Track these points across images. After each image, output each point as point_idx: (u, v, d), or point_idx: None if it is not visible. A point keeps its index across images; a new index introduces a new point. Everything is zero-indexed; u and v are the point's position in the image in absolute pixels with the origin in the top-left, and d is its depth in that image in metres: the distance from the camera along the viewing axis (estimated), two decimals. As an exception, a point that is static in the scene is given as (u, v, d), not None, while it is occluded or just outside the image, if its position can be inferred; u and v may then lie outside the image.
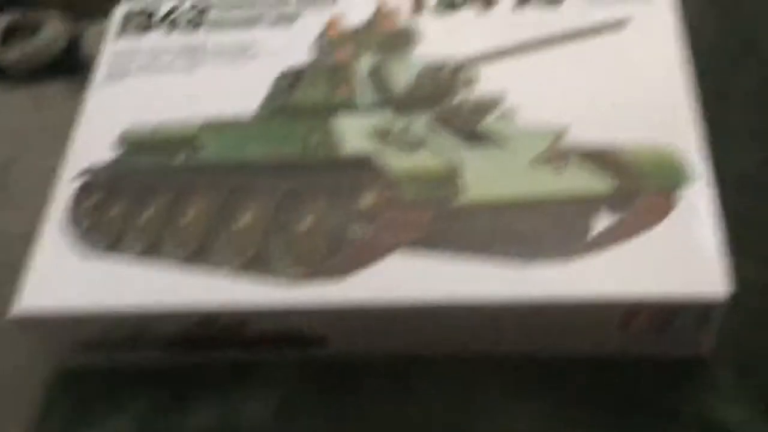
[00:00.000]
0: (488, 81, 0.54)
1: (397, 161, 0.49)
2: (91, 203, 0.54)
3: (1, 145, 1.11)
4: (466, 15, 0.59)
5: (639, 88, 0.52)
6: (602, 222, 0.48)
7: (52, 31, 1.65)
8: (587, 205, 0.49)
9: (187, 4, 0.63)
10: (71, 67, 1.76)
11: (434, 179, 0.49)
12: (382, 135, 0.52)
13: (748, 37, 0.61)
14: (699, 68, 0.53)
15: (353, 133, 0.52)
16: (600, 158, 0.50)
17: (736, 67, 0.60)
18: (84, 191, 0.54)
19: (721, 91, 0.58)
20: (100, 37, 1.71)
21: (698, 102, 0.52)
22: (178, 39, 0.61)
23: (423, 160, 0.50)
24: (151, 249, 0.52)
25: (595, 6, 0.57)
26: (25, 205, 1.39)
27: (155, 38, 0.61)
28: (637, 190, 0.48)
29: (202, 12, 0.62)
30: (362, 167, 0.49)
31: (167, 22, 0.62)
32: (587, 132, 0.51)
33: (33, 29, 1.70)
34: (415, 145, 0.51)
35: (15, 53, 1.65)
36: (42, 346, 0.53)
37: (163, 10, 0.63)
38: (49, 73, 1.75)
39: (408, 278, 0.47)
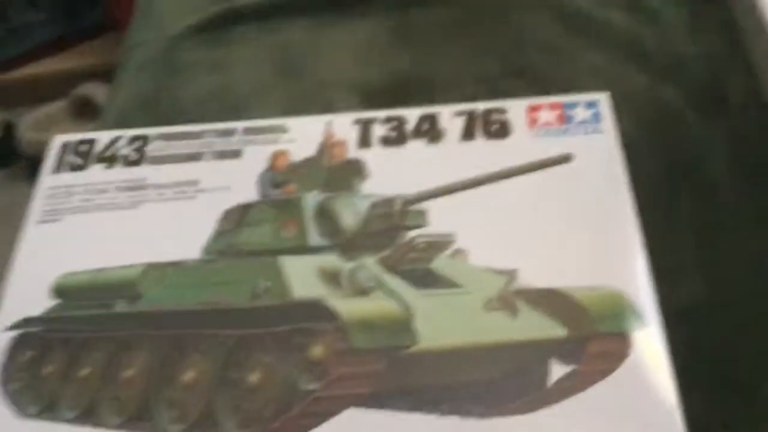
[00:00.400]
0: (438, 219, 0.54)
1: (348, 307, 0.48)
2: (26, 359, 0.51)
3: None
4: (414, 148, 0.59)
5: (586, 228, 0.53)
6: (558, 369, 0.47)
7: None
8: (543, 351, 0.48)
9: (128, 136, 0.61)
10: (5, 157, 1.72)
11: (387, 325, 0.48)
12: (332, 278, 0.51)
13: (688, 165, 0.62)
14: (641, 198, 0.54)
15: (302, 275, 0.51)
16: (551, 302, 0.50)
17: (678, 197, 0.61)
18: (18, 346, 0.51)
19: (665, 219, 0.59)
20: (35, 125, 1.67)
21: (643, 234, 0.52)
22: (117, 174, 0.59)
23: (374, 306, 0.49)
24: (87, 413, 0.49)
25: (540, 139, 0.57)
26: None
27: (93, 173, 0.59)
28: (589, 334, 0.48)
29: (143, 145, 0.61)
30: (313, 313, 0.48)
31: (106, 156, 0.60)
32: (537, 275, 0.51)
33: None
34: (366, 289, 0.50)
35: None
36: None
37: (103, 142, 0.61)
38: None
39: (361, 436, 0.46)
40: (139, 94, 0.76)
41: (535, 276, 0.51)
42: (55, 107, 1.66)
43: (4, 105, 1.68)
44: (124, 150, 0.61)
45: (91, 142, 0.62)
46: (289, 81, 0.74)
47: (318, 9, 0.79)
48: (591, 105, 0.59)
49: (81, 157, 0.61)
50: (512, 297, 0.50)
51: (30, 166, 1.61)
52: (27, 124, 1.60)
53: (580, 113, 0.59)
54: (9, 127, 1.65)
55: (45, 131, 1.58)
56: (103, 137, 0.62)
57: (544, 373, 0.47)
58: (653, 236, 0.53)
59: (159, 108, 0.73)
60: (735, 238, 0.59)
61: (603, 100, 0.60)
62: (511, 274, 0.51)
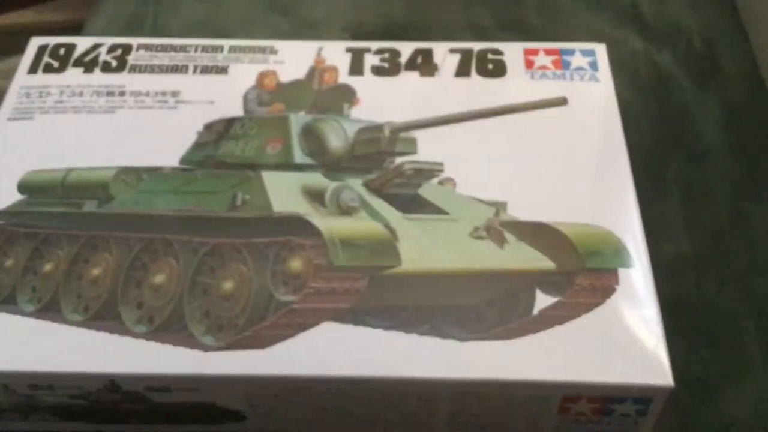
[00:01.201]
0: (427, 149, 0.52)
1: (330, 224, 0.46)
2: (-15, 251, 0.48)
3: None
4: (407, 79, 0.57)
5: (578, 168, 0.52)
6: (543, 300, 0.46)
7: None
8: (529, 281, 0.47)
9: (109, 44, 0.59)
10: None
11: (370, 245, 0.46)
12: (316, 196, 0.49)
13: (679, 129, 0.62)
14: (632, 158, 0.53)
15: (285, 191, 0.49)
16: (540, 234, 0.48)
17: (669, 156, 0.60)
18: (-23, 237, 0.48)
19: (654, 179, 0.59)
20: (7, 74, 1.63)
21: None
22: (96, 79, 0.57)
23: (357, 225, 0.47)
24: (48, 307, 0.46)
25: (537, 81, 0.56)
26: None
27: (71, 76, 0.57)
28: (577, 268, 0.47)
29: (125, 54, 0.58)
30: (293, 227, 0.46)
31: (85, 61, 0.58)
32: (526, 209, 0.49)
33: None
34: (350, 209, 0.48)
35: None
36: None
37: (83, 47, 0.58)
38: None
39: (336, 352, 0.44)
40: (122, 19, 0.73)
41: (524, 210, 0.49)
42: (13, 62, 1.62)
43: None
44: (105, 56, 0.58)
45: (70, 46, 0.59)
46: (279, 17, 0.72)
47: None
48: (588, 53, 0.58)
49: (58, 60, 0.58)
50: (500, 227, 0.49)
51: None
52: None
53: (577, 60, 0.58)
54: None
55: (6, 80, 1.53)
56: (83, 42, 0.59)
57: (529, 302, 0.46)
58: (642, 194, 0.52)
59: (141, 32, 0.71)
60: (722, 200, 0.59)
61: (600, 50, 0.59)
62: (499, 206, 0.49)
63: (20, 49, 1.68)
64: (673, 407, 0.44)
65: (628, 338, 0.44)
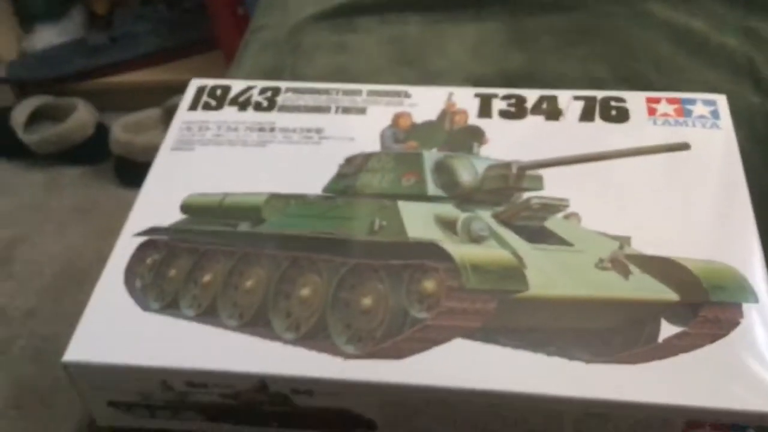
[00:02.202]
0: (553, 186, 0.55)
1: (461, 250, 0.50)
2: (151, 261, 0.54)
3: (10, 221, 1.10)
4: (533, 122, 0.61)
5: (701, 208, 0.54)
6: (667, 329, 0.48)
7: (79, 119, 1.71)
8: (653, 311, 0.49)
9: (260, 86, 0.65)
10: (94, 154, 1.79)
11: (499, 271, 0.49)
12: (447, 225, 0.52)
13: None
14: (753, 202, 0.55)
15: (419, 219, 0.53)
16: (664, 268, 0.50)
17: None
18: (145, 249, 0.54)
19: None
20: (128, 128, 1.73)
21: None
22: (249, 116, 0.63)
23: (487, 252, 0.51)
24: (207, 313, 0.51)
25: (660, 127, 0.59)
26: (26, 282, 1.39)
27: (227, 113, 0.63)
28: (702, 301, 0.49)
29: (274, 96, 0.64)
30: (427, 252, 0.50)
31: (239, 101, 0.64)
32: (650, 244, 0.52)
33: (61, 115, 1.75)
34: (480, 237, 0.52)
35: (37, 136, 1.69)
36: (84, 402, 0.51)
37: (237, 89, 0.65)
38: (71, 158, 1.78)
39: (466, 366, 0.47)
40: (262, 68, 0.80)
41: (647, 246, 0.52)
42: (148, 114, 1.73)
43: (99, 107, 1.76)
44: (256, 97, 0.64)
45: (225, 87, 0.65)
46: (405, 68, 0.77)
47: (433, 8, 0.83)
48: (709, 103, 0.61)
49: (215, 99, 0.64)
50: (624, 259, 0.51)
51: (117, 166, 1.67)
52: (120, 125, 1.67)
53: (699, 109, 0.60)
54: (101, 128, 1.73)
55: (135, 135, 1.64)
56: (237, 84, 0.66)
57: (654, 331, 0.48)
58: (762, 238, 0.53)
59: (281, 81, 0.77)
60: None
61: (720, 100, 0.61)
62: (624, 240, 0.52)
63: (142, 106, 1.79)
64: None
65: (750, 368, 0.45)
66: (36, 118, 1.74)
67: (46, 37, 1.87)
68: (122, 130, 1.67)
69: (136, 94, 1.80)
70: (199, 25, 1.79)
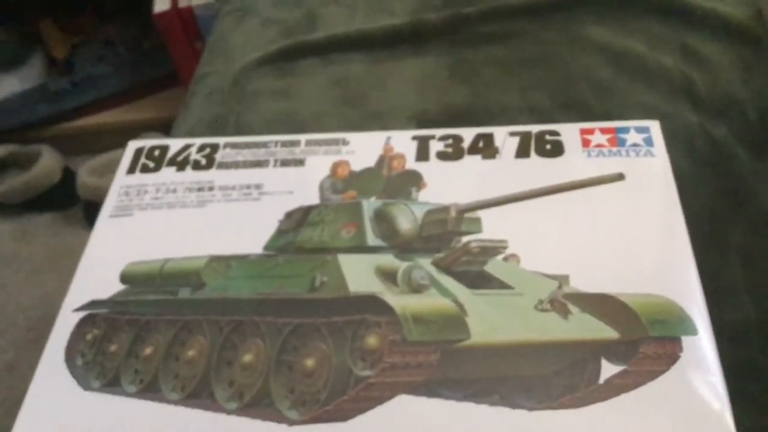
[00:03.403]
0: (491, 227, 0.56)
1: (402, 302, 0.50)
2: (92, 337, 0.53)
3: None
4: (470, 163, 0.61)
5: (637, 240, 0.54)
6: (609, 369, 0.48)
7: (45, 165, 1.70)
8: (594, 350, 0.49)
9: (198, 144, 0.65)
10: (62, 200, 1.78)
11: (440, 320, 0.49)
12: (388, 276, 0.52)
13: (737, 196, 0.64)
14: (691, 226, 0.55)
15: (360, 272, 0.53)
16: (603, 305, 0.51)
17: (728, 224, 0.62)
18: (85, 324, 0.54)
19: (714, 246, 0.60)
20: (93, 171, 1.72)
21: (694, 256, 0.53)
22: (188, 176, 0.62)
23: (428, 302, 0.51)
24: (149, 388, 0.51)
25: (594, 159, 0.59)
26: (2, 335, 1.37)
27: (165, 175, 0.63)
28: (641, 337, 0.49)
29: (213, 152, 0.64)
30: (368, 306, 0.50)
31: (178, 161, 0.64)
32: (588, 281, 0.52)
33: (27, 163, 1.74)
34: (420, 286, 0.52)
35: (3, 186, 1.68)
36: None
37: (175, 148, 0.65)
38: (39, 206, 1.77)
39: (412, 423, 0.47)
40: (208, 117, 0.80)
41: (586, 282, 0.52)
42: (114, 155, 1.73)
43: (65, 152, 1.75)
44: (195, 156, 0.64)
45: (163, 147, 0.65)
46: (349, 109, 0.78)
47: (375, 47, 0.83)
48: (642, 130, 0.61)
49: (153, 160, 0.64)
50: (564, 299, 0.51)
51: (86, 210, 1.67)
52: (86, 169, 1.67)
53: (632, 137, 0.61)
54: (67, 173, 1.72)
55: (102, 177, 1.64)
56: (175, 144, 0.65)
57: (595, 371, 0.48)
58: (702, 261, 0.54)
59: (226, 130, 0.77)
60: (785, 265, 0.60)
61: (654, 126, 0.62)
62: (562, 279, 0.52)
63: (108, 148, 1.78)
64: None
65: (693, 404, 0.45)
66: (1, 168, 1.73)
67: (7, 86, 1.86)
68: (89, 174, 1.66)
69: (101, 136, 1.80)
70: (159, 62, 1.78)
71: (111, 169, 1.72)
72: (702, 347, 0.48)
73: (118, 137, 1.76)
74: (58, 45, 1.88)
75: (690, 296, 0.50)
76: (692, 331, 0.49)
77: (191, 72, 0.91)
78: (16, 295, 1.53)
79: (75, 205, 1.70)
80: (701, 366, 0.47)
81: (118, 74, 1.84)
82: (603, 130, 0.61)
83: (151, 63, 1.82)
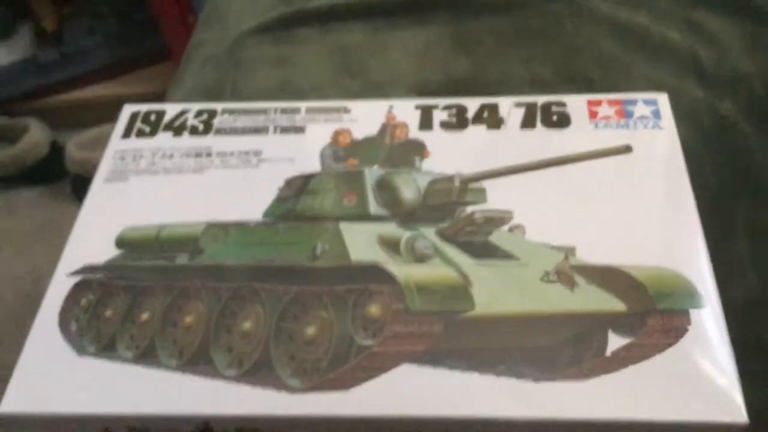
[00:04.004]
0: (496, 198, 0.55)
1: (405, 271, 0.49)
2: (86, 302, 0.52)
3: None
4: (474, 132, 0.60)
5: (645, 212, 0.53)
6: (616, 341, 0.47)
7: (33, 138, 1.67)
8: (601, 322, 0.48)
9: (195, 109, 0.63)
10: (50, 174, 1.76)
11: (444, 290, 0.48)
12: (391, 245, 0.51)
13: (743, 171, 0.63)
14: (698, 200, 0.54)
15: (361, 241, 0.51)
16: (610, 278, 0.50)
17: (735, 200, 0.61)
18: (79, 289, 0.52)
19: (719, 222, 0.59)
20: (82, 145, 1.70)
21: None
22: (185, 142, 0.61)
23: (431, 272, 0.50)
24: (146, 353, 0.50)
25: (601, 131, 0.58)
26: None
27: (162, 140, 0.61)
28: (649, 310, 0.48)
29: (210, 118, 0.63)
30: (370, 275, 0.48)
31: (174, 126, 0.62)
32: (595, 253, 0.51)
33: (14, 136, 1.72)
34: (424, 256, 0.51)
35: (-8, 159, 1.66)
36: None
37: (171, 113, 0.63)
38: (27, 179, 1.75)
39: (415, 392, 0.46)
40: (203, 85, 0.78)
41: (593, 254, 0.51)
42: (103, 129, 1.70)
43: (53, 125, 1.73)
44: (192, 121, 0.63)
45: (159, 112, 0.64)
46: (349, 78, 0.76)
47: (375, 15, 0.82)
48: (650, 102, 0.60)
49: (149, 125, 0.63)
50: (570, 271, 0.50)
51: (74, 184, 1.64)
52: (74, 143, 1.64)
53: (640, 109, 0.60)
54: (55, 147, 1.70)
55: (91, 151, 1.61)
56: (171, 109, 0.64)
57: (602, 343, 0.47)
58: (709, 235, 0.53)
59: (222, 98, 0.75)
60: (791, 241, 0.59)
61: (662, 99, 0.61)
62: (569, 250, 0.51)
63: (96, 122, 1.76)
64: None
65: (701, 377, 0.45)
66: (-12, 142, 1.70)
67: (-5, 57, 1.83)
68: (77, 147, 1.64)
69: (89, 110, 1.77)
70: (150, 36, 1.76)
71: (99, 143, 1.69)
72: (710, 320, 0.47)
73: (106, 111, 1.72)
74: (48, 17, 1.85)
75: (698, 269, 0.50)
76: (700, 304, 0.48)
77: (182, 46, 0.90)
78: (3, 269, 1.52)
79: (63, 179, 1.68)
80: (709, 339, 0.46)
81: (108, 47, 1.81)
82: (610, 102, 0.60)
83: (142, 37, 1.79)
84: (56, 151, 1.69)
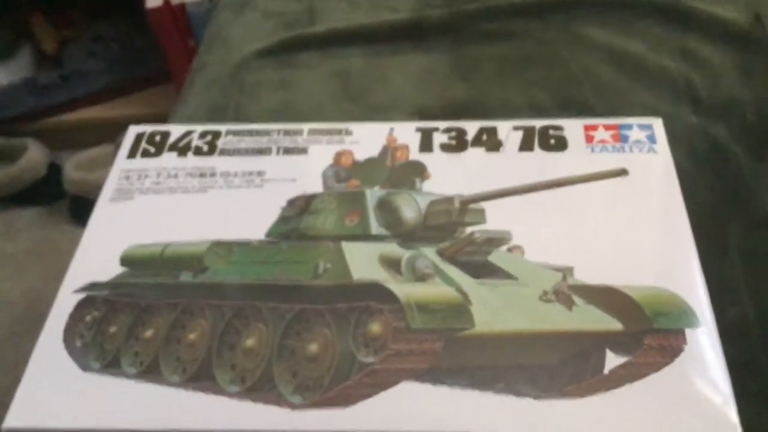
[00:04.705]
0: (495, 219, 0.56)
1: (406, 290, 0.49)
2: (91, 319, 0.53)
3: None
4: (473, 155, 0.61)
5: (641, 234, 0.54)
6: (613, 359, 0.48)
7: (31, 159, 1.68)
8: (598, 341, 0.49)
9: (200, 131, 0.65)
10: (48, 195, 1.77)
11: (444, 309, 0.49)
12: (392, 264, 0.52)
13: (737, 196, 0.64)
14: (692, 223, 0.55)
15: (363, 260, 0.52)
16: (607, 297, 0.51)
17: (728, 223, 0.62)
18: (84, 306, 0.53)
19: (713, 245, 0.60)
20: (81, 166, 1.71)
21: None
22: (189, 162, 0.62)
23: (432, 290, 0.50)
24: (149, 370, 0.50)
25: (597, 154, 0.60)
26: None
27: (167, 160, 0.62)
28: (646, 329, 0.49)
29: (214, 139, 0.64)
30: (372, 293, 0.49)
31: (179, 146, 0.63)
32: (592, 273, 0.52)
33: (13, 156, 1.72)
34: (425, 275, 0.52)
35: (-10, 179, 1.66)
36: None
37: (176, 134, 0.64)
38: (25, 200, 1.76)
39: (416, 409, 0.46)
40: (206, 107, 0.79)
41: (590, 275, 0.52)
42: (102, 150, 1.71)
43: (51, 146, 1.74)
44: (196, 142, 0.64)
45: (164, 133, 0.65)
46: (349, 103, 0.77)
47: (375, 41, 0.83)
48: (645, 127, 0.62)
49: (154, 145, 0.64)
50: (568, 291, 0.51)
51: (71, 205, 1.65)
52: (73, 164, 1.65)
53: (635, 134, 0.61)
54: (53, 168, 1.70)
55: (89, 172, 1.62)
56: (176, 130, 0.65)
57: (600, 362, 0.48)
58: (703, 256, 0.54)
59: (225, 119, 0.76)
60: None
61: (657, 124, 0.62)
62: (567, 270, 0.52)
63: (94, 143, 1.76)
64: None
65: (697, 395, 0.45)
66: (-13, 162, 1.71)
67: (-5, 78, 1.84)
68: (75, 168, 1.64)
69: (88, 131, 1.78)
70: (150, 59, 1.77)
71: (98, 163, 1.70)
72: (705, 340, 0.48)
73: (105, 133, 1.75)
74: (48, 39, 1.86)
75: (693, 289, 0.51)
76: (696, 323, 0.49)
77: (183, 69, 0.91)
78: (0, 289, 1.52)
79: (60, 200, 1.69)
80: (705, 358, 0.47)
81: (109, 70, 1.82)
82: (606, 127, 0.62)
83: (142, 60, 1.81)
84: (54, 171, 1.70)
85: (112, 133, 1.74)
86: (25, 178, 1.67)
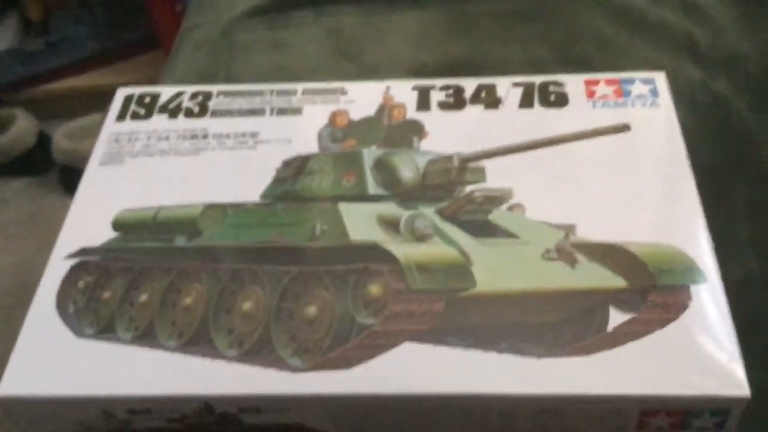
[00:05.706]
0: (496, 176, 0.54)
1: (405, 250, 0.48)
2: (84, 284, 0.51)
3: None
4: (472, 112, 0.60)
5: (644, 190, 0.53)
6: (617, 317, 0.47)
7: (20, 128, 1.66)
8: (602, 299, 0.48)
9: (191, 91, 0.63)
10: (37, 165, 1.75)
11: (445, 269, 0.48)
12: (390, 224, 0.51)
13: (740, 150, 0.63)
14: (697, 179, 0.54)
15: (361, 221, 0.51)
16: (611, 254, 0.50)
17: (732, 179, 0.61)
18: (77, 271, 0.52)
19: (717, 202, 0.59)
20: (70, 135, 1.69)
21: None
22: (180, 124, 0.60)
23: (432, 251, 0.49)
24: (145, 335, 0.49)
25: (599, 110, 0.58)
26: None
27: (157, 122, 0.61)
28: (650, 286, 0.48)
29: (206, 100, 0.62)
30: (370, 254, 0.48)
31: (169, 108, 0.62)
32: (595, 230, 0.51)
33: (2, 126, 1.70)
34: (424, 235, 0.50)
35: (-22, 150, 1.64)
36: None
37: (166, 95, 0.63)
38: (14, 170, 1.74)
39: (417, 370, 0.45)
40: (196, 70, 0.78)
41: (593, 231, 0.51)
42: (91, 119, 1.69)
43: (40, 116, 1.71)
44: (187, 103, 0.62)
45: (154, 95, 0.63)
46: (344, 62, 0.76)
47: None
48: (647, 81, 0.60)
49: (144, 107, 0.62)
50: (570, 248, 0.50)
51: (61, 175, 1.63)
52: (62, 133, 1.63)
53: (637, 88, 0.60)
54: (42, 138, 1.68)
55: (79, 142, 1.60)
56: (166, 91, 0.63)
57: (604, 319, 0.47)
58: (708, 212, 0.53)
59: (215, 82, 0.75)
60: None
61: (659, 78, 0.61)
62: (569, 228, 0.51)
63: (84, 112, 1.74)
64: (750, 423, 0.45)
65: (703, 351, 0.45)
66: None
67: (-20, 47, 1.81)
68: (65, 138, 1.62)
69: (77, 100, 1.75)
70: (138, 25, 1.74)
71: (88, 133, 1.68)
72: (710, 296, 0.47)
73: (94, 101, 1.72)
74: (34, 6, 1.83)
75: (698, 245, 0.50)
76: (701, 279, 0.48)
77: (172, 34, 0.89)
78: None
79: (50, 170, 1.67)
80: (710, 314, 0.46)
81: (95, 36, 1.79)
82: (608, 82, 0.60)
83: (129, 26, 1.78)
84: (43, 141, 1.68)
85: (101, 101, 1.71)
86: (14, 148, 1.65)
